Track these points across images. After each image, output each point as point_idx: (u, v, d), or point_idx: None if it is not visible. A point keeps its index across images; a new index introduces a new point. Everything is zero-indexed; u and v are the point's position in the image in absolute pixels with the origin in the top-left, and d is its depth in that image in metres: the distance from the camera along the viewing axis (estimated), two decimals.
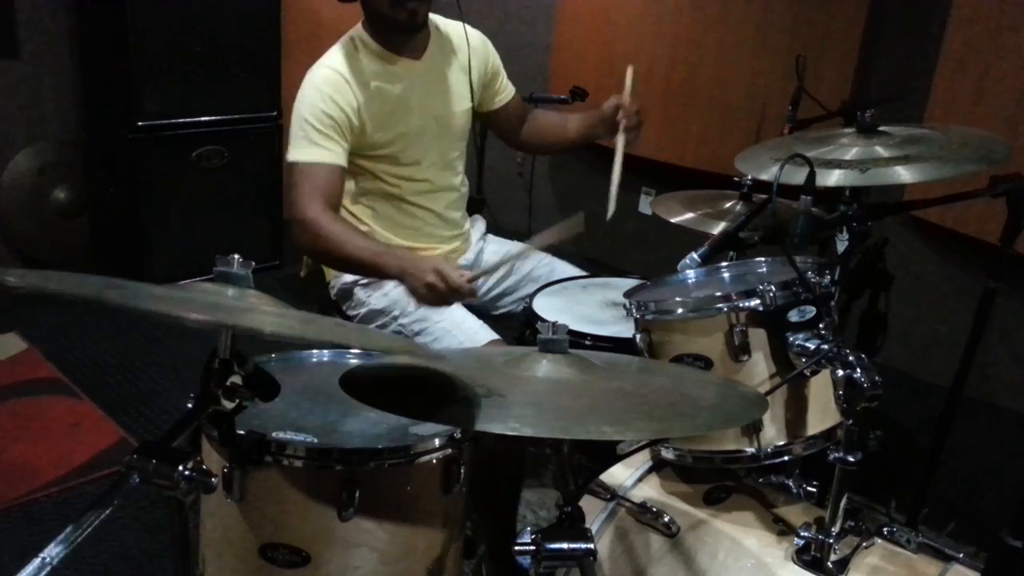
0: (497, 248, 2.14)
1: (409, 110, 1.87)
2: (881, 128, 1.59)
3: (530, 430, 0.95)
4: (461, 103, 2.00)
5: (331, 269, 2.01)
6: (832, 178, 1.43)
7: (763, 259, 1.58)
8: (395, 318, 1.87)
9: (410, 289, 1.62)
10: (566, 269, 2.09)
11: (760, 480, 1.51)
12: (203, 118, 3.45)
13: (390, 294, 1.89)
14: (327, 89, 1.78)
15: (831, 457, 1.25)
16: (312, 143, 1.76)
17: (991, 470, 2.64)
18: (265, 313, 0.95)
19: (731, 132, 3.34)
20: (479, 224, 2.19)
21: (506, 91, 2.11)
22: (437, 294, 1.56)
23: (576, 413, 1.02)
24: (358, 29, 1.89)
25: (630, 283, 1.90)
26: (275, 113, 3.66)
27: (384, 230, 1.94)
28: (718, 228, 1.96)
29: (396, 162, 1.89)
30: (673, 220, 2.04)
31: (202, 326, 0.93)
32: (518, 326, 1.91)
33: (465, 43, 1.99)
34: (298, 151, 1.77)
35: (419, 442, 1.21)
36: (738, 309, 1.32)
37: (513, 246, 2.15)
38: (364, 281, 1.92)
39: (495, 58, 2.07)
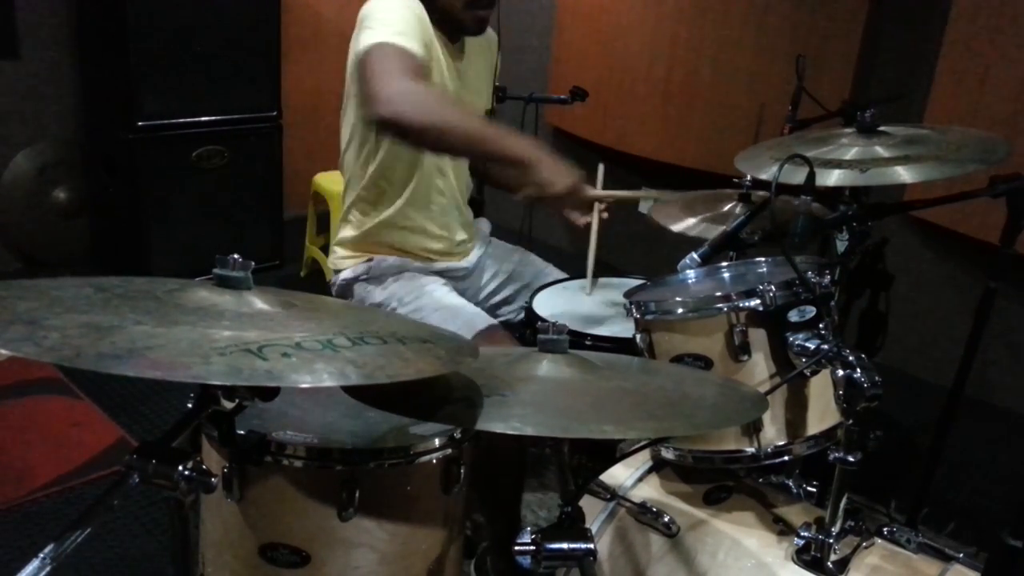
0: (500, 252, 2.14)
1: (452, 91, 1.86)
2: (881, 128, 1.59)
3: (532, 429, 0.95)
4: (482, 104, 2.03)
5: (332, 263, 2.00)
6: (832, 178, 1.43)
7: (763, 259, 1.58)
8: (393, 310, 1.88)
9: (544, 175, 1.47)
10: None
11: (760, 480, 1.51)
12: (203, 118, 3.45)
13: (389, 288, 1.90)
14: (414, 6, 1.69)
15: (831, 457, 1.25)
16: (402, 34, 1.58)
17: (991, 470, 2.64)
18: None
19: (731, 132, 3.34)
20: (483, 226, 2.19)
21: (491, 99, 2.10)
22: (564, 190, 1.48)
23: (577, 412, 1.02)
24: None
25: (630, 283, 1.90)
26: (275, 113, 3.66)
27: (408, 205, 1.90)
28: (717, 231, 1.95)
29: None
30: (674, 228, 2.04)
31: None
32: (518, 326, 1.91)
33: (490, 46, 2.02)
34: (386, 35, 1.56)
35: (419, 442, 1.21)
36: (738, 309, 1.32)
37: (516, 251, 2.15)
38: (364, 277, 1.93)
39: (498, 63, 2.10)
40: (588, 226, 1.92)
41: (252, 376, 0.80)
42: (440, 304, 1.81)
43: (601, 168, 2.03)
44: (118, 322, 0.85)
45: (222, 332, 0.87)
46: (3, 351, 0.76)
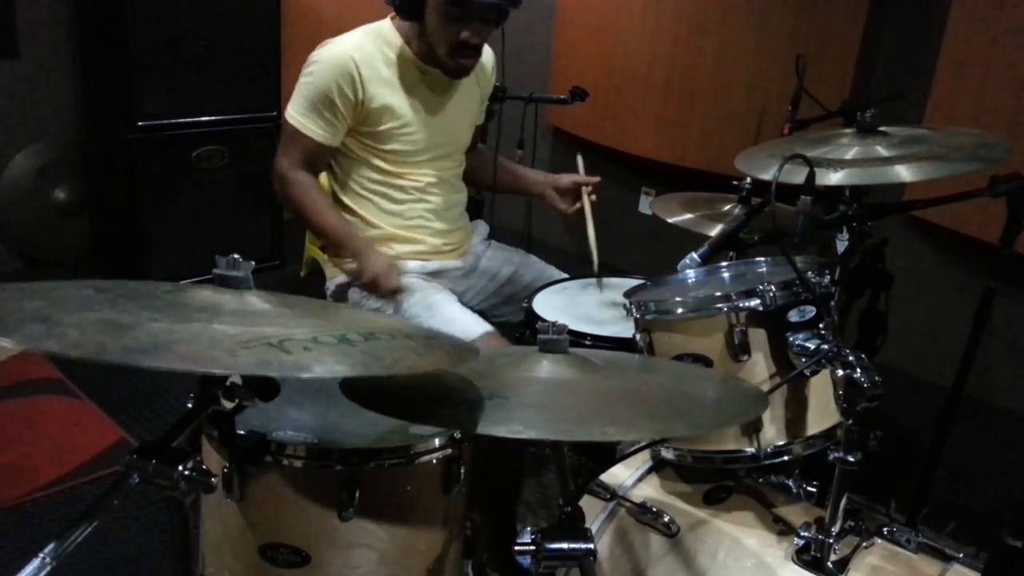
0: (500, 254, 2.14)
1: (424, 118, 1.90)
2: (881, 128, 1.59)
3: (533, 432, 0.95)
4: (471, 120, 2.06)
5: (329, 266, 2.02)
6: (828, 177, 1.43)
7: (763, 259, 1.58)
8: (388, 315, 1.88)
9: (358, 273, 1.86)
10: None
11: (760, 480, 1.51)
12: (203, 118, 3.45)
13: None
14: (336, 74, 1.82)
15: (831, 457, 1.25)
16: (316, 112, 1.86)
17: (991, 470, 2.64)
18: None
19: (731, 132, 3.34)
20: (481, 228, 2.18)
21: (481, 115, 2.15)
22: (370, 290, 1.85)
23: (578, 414, 1.01)
24: (390, 26, 1.90)
25: (630, 283, 1.90)
26: (275, 113, 3.65)
27: (382, 222, 1.95)
28: (717, 230, 1.96)
29: (401, 157, 1.90)
30: (672, 220, 2.05)
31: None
32: (518, 326, 1.90)
33: (480, 67, 2.02)
34: (300, 114, 1.88)
35: (419, 442, 1.21)
36: (738, 309, 1.32)
37: (517, 253, 2.15)
38: (359, 282, 1.93)
39: (492, 82, 2.13)
40: (581, 213, 2.03)
41: (281, 367, 0.80)
42: (435, 311, 1.82)
43: (580, 159, 2.12)
44: (133, 319, 0.85)
45: (238, 327, 0.87)
46: (14, 345, 0.75)
